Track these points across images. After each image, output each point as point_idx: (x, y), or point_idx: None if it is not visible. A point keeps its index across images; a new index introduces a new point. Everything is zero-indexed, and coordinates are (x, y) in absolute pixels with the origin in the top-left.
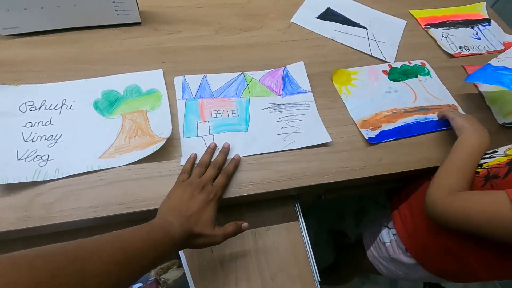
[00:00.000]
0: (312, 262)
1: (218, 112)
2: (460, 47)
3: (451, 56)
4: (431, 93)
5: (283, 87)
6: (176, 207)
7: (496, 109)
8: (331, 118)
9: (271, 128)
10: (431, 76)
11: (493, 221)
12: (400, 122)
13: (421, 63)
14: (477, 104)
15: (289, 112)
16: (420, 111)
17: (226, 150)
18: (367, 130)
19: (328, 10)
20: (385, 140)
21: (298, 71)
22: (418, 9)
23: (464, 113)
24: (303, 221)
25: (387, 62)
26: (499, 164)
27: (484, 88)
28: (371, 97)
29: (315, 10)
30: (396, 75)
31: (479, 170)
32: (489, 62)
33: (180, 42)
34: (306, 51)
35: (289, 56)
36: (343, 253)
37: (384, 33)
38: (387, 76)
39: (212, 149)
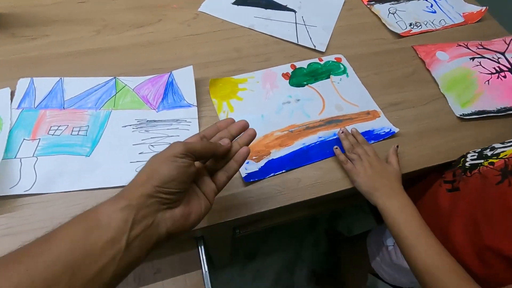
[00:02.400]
0: None
1: (60, 127)
2: (411, 24)
3: (398, 36)
4: (345, 98)
5: (163, 98)
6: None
7: (453, 98)
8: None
9: (125, 153)
10: (347, 75)
11: None
12: (297, 145)
13: (335, 58)
14: (431, 92)
15: (160, 132)
16: (328, 124)
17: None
18: (247, 162)
19: None
20: (271, 175)
21: (185, 78)
22: None
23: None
24: (207, 269)
25: (316, 50)
26: None
27: (438, 73)
28: (261, 113)
29: None
30: (300, 78)
31: (494, 160)
32: None
33: (46, 48)
34: (214, 46)
35: (192, 54)
36: (344, 255)
37: (316, 16)
38: (288, 80)
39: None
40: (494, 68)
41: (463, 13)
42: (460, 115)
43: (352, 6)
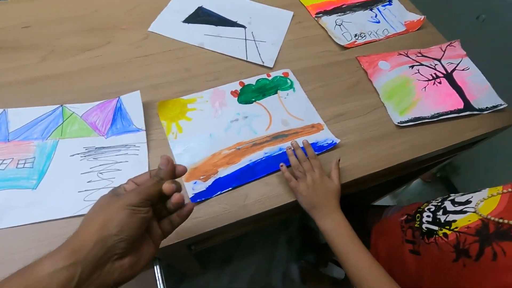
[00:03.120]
0: None
1: (4, 161)
2: (356, 35)
3: (344, 47)
4: (291, 113)
5: (112, 124)
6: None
7: (392, 107)
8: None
9: (73, 183)
10: (294, 90)
11: None
12: (243, 162)
13: (283, 73)
14: (372, 102)
15: (108, 159)
16: (274, 140)
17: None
18: (195, 182)
19: (199, 10)
20: (218, 193)
21: (133, 102)
22: None
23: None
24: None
25: (265, 66)
26: (468, 228)
27: (380, 82)
28: (209, 133)
29: (182, 12)
30: (248, 94)
31: (447, 232)
32: None
33: None
34: (164, 67)
35: (142, 76)
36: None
37: (266, 31)
38: (236, 98)
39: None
40: (431, 74)
41: (405, 22)
42: (398, 122)
43: (300, 19)
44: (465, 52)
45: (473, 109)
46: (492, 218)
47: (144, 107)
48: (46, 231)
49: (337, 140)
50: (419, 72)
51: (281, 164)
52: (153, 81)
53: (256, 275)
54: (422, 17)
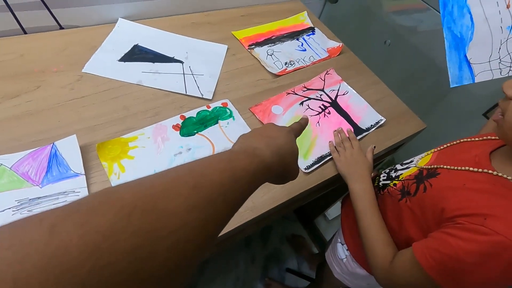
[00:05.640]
0: None
1: None
2: (286, 63)
3: (276, 75)
4: (232, 141)
5: (47, 171)
6: (262, 134)
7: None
8: None
9: None
10: (233, 118)
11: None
12: None
13: (222, 103)
14: None
15: (46, 209)
16: None
17: None
18: None
19: (135, 48)
20: None
21: (69, 147)
22: (242, 29)
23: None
24: None
25: (204, 98)
26: (409, 175)
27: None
28: (153, 169)
29: (117, 51)
30: (190, 127)
31: (396, 182)
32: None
33: None
34: (101, 107)
35: (77, 119)
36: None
37: (203, 64)
38: (178, 131)
39: None
40: (320, 106)
41: (327, 49)
42: (305, 169)
43: (235, 51)
44: (341, 78)
45: (362, 131)
46: (426, 167)
47: (83, 151)
48: None
49: None
50: (309, 107)
51: (330, 141)
52: (90, 123)
53: None
54: (341, 44)
